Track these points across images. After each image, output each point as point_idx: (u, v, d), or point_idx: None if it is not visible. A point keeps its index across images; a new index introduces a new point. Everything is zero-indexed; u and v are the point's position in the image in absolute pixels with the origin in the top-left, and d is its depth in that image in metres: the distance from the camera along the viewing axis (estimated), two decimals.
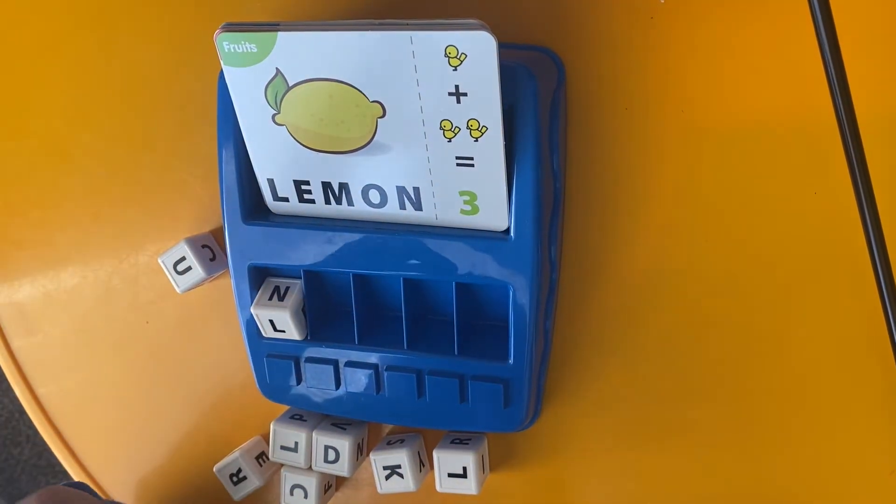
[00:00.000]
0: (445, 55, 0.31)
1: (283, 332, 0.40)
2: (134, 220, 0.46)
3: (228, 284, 0.40)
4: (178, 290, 0.43)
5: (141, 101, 0.44)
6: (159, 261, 0.43)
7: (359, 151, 0.35)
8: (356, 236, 0.37)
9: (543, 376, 0.41)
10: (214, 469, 0.45)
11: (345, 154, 0.35)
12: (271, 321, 0.39)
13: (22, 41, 0.45)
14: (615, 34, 0.37)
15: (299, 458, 0.42)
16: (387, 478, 0.41)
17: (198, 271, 0.43)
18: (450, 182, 0.35)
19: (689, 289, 0.39)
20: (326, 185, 0.36)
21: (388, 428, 0.44)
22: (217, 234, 0.45)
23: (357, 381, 0.40)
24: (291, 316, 0.39)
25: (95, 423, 0.49)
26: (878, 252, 0.34)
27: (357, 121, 0.34)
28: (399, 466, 0.41)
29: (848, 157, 0.34)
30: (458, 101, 0.32)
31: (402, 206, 0.36)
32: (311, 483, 0.43)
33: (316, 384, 0.40)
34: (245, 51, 0.33)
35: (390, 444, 0.42)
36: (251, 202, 0.38)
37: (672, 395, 0.40)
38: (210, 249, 0.44)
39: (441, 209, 0.36)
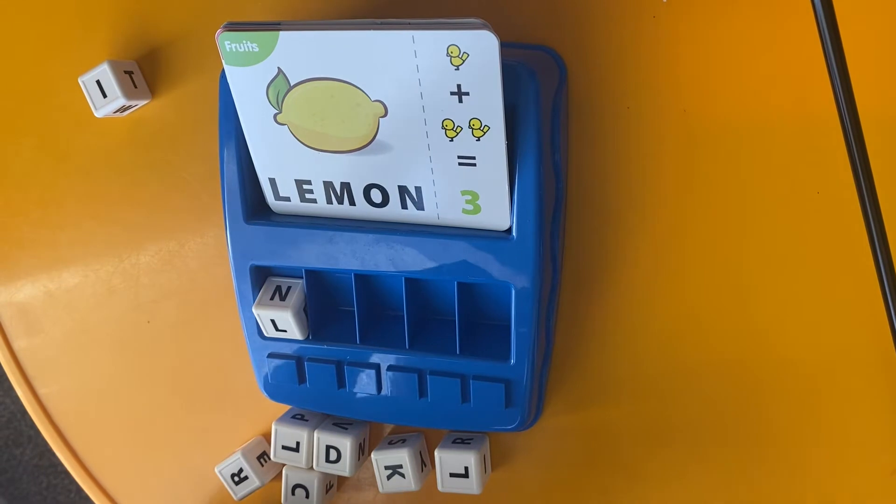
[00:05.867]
0: (447, 54, 0.31)
1: (285, 331, 0.40)
2: (135, 219, 0.46)
3: (230, 284, 0.40)
4: None
5: None
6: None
7: (360, 151, 0.35)
8: (358, 236, 0.37)
9: (545, 376, 0.41)
10: (216, 469, 0.45)
11: (346, 153, 0.35)
12: (273, 321, 0.39)
13: (22, 41, 0.45)
14: (617, 33, 0.37)
15: (301, 458, 0.42)
16: (388, 477, 0.41)
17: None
18: (452, 181, 0.35)
19: (692, 288, 0.39)
20: (328, 185, 0.36)
21: (389, 428, 0.44)
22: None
23: (358, 380, 0.40)
24: (293, 316, 0.39)
25: (97, 422, 0.49)
26: (880, 251, 0.34)
27: (359, 120, 0.34)
28: (400, 466, 0.41)
29: (850, 157, 0.33)
30: (460, 101, 0.32)
31: (404, 206, 0.36)
32: (313, 483, 0.43)
33: (317, 384, 0.40)
34: (247, 50, 0.33)
35: (392, 443, 0.42)
36: (253, 202, 0.38)
37: (673, 395, 0.40)
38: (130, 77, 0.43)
39: (443, 209, 0.36)
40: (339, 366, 0.40)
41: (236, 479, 0.45)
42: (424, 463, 0.42)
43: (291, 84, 0.33)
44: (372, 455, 0.41)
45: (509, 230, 0.35)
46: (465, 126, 0.33)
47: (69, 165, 0.46)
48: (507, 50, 0.33)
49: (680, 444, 0.41)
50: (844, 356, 0.38)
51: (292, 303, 0.39)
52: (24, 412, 1.37)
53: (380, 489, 0.41)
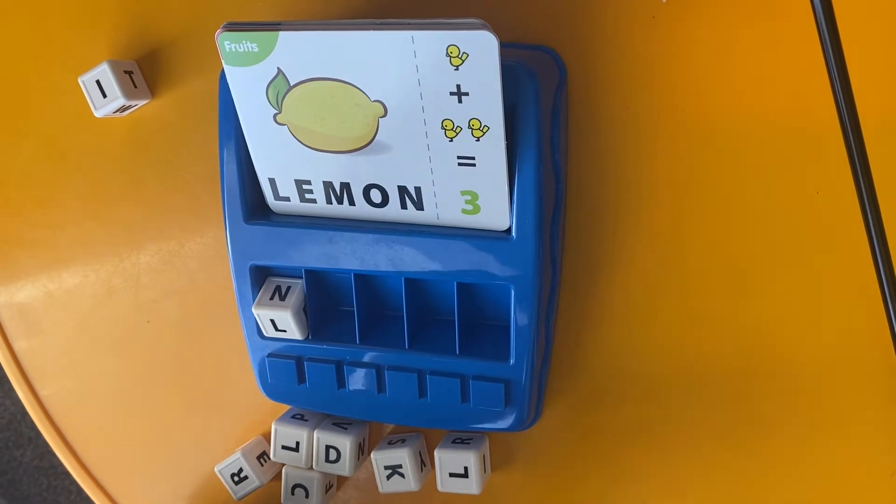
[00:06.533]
0: (447, 55, 0.31)
1: (285, 331, 0.40)
2: (135, 219, 0.46)
3: (230, 284, 0.40)
4: None
5: None
6: None
7: (360, 151, 0.35)
8: (357, 236, 0.37)
9: (544, 376, 0.41)
10: (216, 469, 0.45)
11: (346, 153, 0.35)
12: (272, 321, 0.39)
13: (22, 41, 0.45)
14: (616, 34, 0.37)
15: (300, 458, 0.42)
16: (388, 477, 0.41)
17: None
18: (451, 182, 0.35)
19: (691, 288, 0.39)
20: (328, 185, 0.36)
21: (389, 427, 0.44)
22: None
23: (358, 380, 0.40)
24: (293, 316, 0.39)
25: (97, 423, 0.49)
26: (879, 251, 0.34)
27: (358, 120, 0.34)
28: (400, 466, 0.41)
29: (850, 157, 0.33)
30: (460, 101, 0.32)
31: (404, 206, 0.36)
32: (313, 483, 0.43)
33: (317, 384, 0.40)
34: (246, 50, 0.33)
35: (391, 443, 0.42)
36: (252, 202, 0.38)
37: (672, 396, 0.40)
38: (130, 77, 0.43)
39: (442, 209, 0.36)
40: (339, 366, 0.40)
41: (236, 478, 0.45)
42: (424, 463, 0.42)
43: (291, 84, 0.33)
44: (371, 455, 0.41)
45: (509, 230, 0.35)
46: (465, 126, 0.33)
47: (69, 165, 0.46)
48: (507, 50, 0.33)
49: (679, 445, 0.41)
50: (844, 357, 0.38)
51: (292, 303, 0.39)
52: (25, 413, 1.37)
53: (379, 489, 0.41)
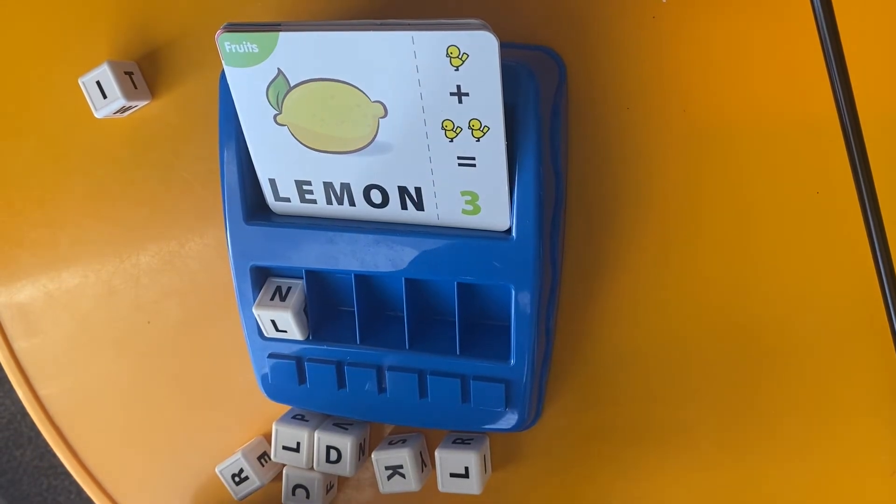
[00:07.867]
0: (447, 55, 0.31)
1: (285, 332, 0.40)
2: (135, 219, 0.46)
3: (230, 285, 0.40)
4: None
5: None
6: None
7: (360, 151, 0.35)
8: (358, 236, 0.37)
9: (545, 376, 0.41)
10: (216, 469, 0.45)
11: (346, 154, 0.35)
12: (273, 321, 0.39)
13: (22, 41, 0.45)
14: (617, 33, 0.37)
15: (301, 459, 0.42)
16: (389, 478, 0.41)
17: None
18: (451, 182, 0.35)
19: (691, 288, 0.39)
20: (328, 186, 0.36)
21: (389, 428, 0.44)
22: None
23: (359, 381, 0.40)
24: (293, 316, 0.39)
25: (97, 423, 0.49)
26: (880, 251, 0.34)
27: (358, 121, 0.34)
28: (401, 466, 0.41)
29: (850, 157, 0.33)
30: (460, 101, 0.32)
31: (404, 206, 0.36)
32: (313, 483, 0.43)
33: (318, 384, 0.40)
34: (246, 51, 0.33)
35: (392, 444, 0.42)
36: (253, 202, 0.38)
37: (673, 396, 0.40)
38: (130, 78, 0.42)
39: (443, 209, 0.36)
40: (340, 366, 0.40)
41: (237, 479, 0.45)
42: (425, 463, 0.42)
43: (291, 85, 0.33)
44: (372, 455, 0.41)
45: (509, 231, 0.35)
46: (465, 126, 0.33)
47: (69, 165, 0.46)
48: (507, 50, 0.33)
49: (680, 446, 0.41)
50: (844, 357, 0.38)
51: (292, 303, 0.39)
52: (25, 413, 1.37)
53: (380, 489, 0.41)
